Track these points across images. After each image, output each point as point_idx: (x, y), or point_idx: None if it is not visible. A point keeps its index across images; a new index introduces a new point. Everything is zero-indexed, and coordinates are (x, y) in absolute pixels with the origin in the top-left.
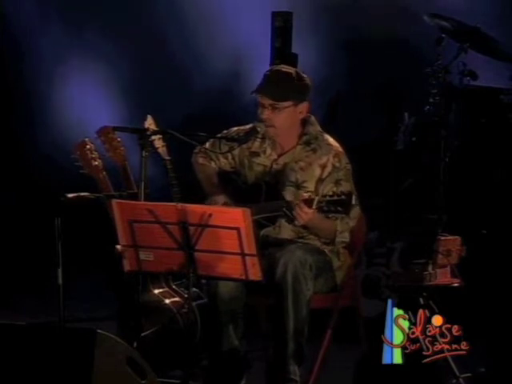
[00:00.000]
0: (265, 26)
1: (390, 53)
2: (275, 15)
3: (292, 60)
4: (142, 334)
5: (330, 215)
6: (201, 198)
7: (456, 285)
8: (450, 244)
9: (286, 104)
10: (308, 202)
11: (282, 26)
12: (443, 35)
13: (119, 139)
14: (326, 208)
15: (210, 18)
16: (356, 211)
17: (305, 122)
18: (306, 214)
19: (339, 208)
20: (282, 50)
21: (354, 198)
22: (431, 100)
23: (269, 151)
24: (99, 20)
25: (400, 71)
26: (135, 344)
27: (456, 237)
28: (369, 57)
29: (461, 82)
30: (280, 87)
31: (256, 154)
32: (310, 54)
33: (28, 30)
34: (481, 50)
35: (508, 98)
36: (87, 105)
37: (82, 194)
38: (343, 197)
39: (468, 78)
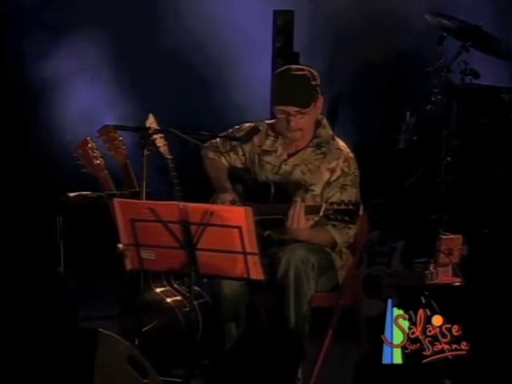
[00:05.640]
0: (266, 24)
1: (392, 52)
2: (276, 14)
3: (293, 59)
4: (144, 329)
5: (336, 224)
6: (203, 196)
7: (457, 284)
8: (452, 243)
9: (311, 107)
10: (315, 209)
11: (283, 25)
12: (445, 34)
13: (121, 138)
14: (333, 216)
15: (211, 16)
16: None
17: (318, 124)
18: (298, 220)
19: (346, 218)
20: (283, 49)
21: (361, 208)
22: (433, 99)
23: (280, 151)
24: (99, 20)
25: (401, 70)
26: (136, 342)
27: (458, 236)
28: (370, 56)
29: (462, 80)
30: (304, 93)
31: (267, 153)
32: (311, 53)
33: (29, 29)
34: (482, 49)
35: (509, 97)
36: (88, 104)
37: (84, 192)
38: (351, 206)
39: (470, 76)
